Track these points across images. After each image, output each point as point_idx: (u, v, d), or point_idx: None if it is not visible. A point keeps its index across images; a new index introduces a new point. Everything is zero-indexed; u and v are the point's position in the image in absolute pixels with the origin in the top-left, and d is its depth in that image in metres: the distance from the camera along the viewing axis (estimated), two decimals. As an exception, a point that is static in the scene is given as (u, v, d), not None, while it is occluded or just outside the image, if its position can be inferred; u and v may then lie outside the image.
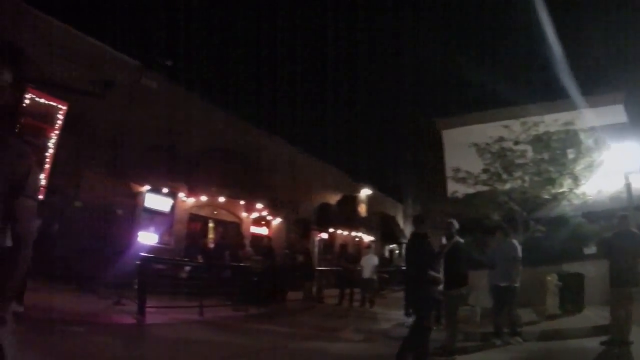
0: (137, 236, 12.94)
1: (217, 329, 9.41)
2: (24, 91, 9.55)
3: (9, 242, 2.13)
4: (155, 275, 11.71)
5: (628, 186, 11.56)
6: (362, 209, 28.09)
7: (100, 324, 7.99)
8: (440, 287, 7.27)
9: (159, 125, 15.07)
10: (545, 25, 16.49)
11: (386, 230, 31.49)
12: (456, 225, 8.13)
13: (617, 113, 18.52)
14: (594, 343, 7.58)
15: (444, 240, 8.83)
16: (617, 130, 15.22)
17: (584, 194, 13.23)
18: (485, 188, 14.20)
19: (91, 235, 11.51)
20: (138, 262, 10.21)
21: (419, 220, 7.15)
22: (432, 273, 6.39)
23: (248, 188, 17.26)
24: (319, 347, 8.43)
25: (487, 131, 14.42)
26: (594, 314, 10.16)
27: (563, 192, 13.23)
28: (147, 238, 13.80)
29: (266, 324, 10.80)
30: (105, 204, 12.90)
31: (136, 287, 9.85)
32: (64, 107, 11.03)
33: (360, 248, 18.79)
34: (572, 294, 11.14)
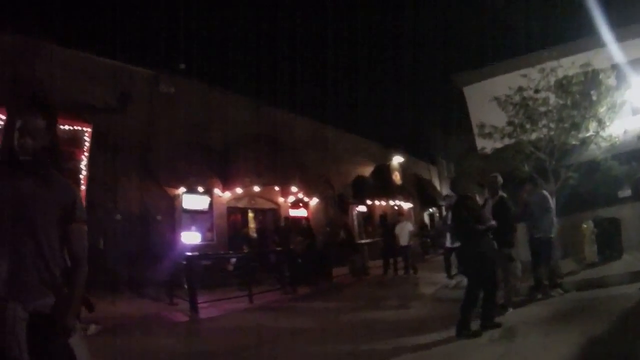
0: (181, 237, 13.47)
1: (267, 313, 9.80)
2: (56, 131, 9.97)
3: (68, 262, 2.58)
4: (203, 271, 12.16)
5: None
6: (397, 177, 28.02)
7: (156, 325, 8.45)
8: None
9: (184, 126, 15.44)
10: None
11: (423, 195, 31.49)
12: (500, 180, 7.93)
13: (638, 47, 17.82)
14: (634, 289, 7.46)
15: (485, 196, 8.89)
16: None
17: (610, 136, 12.96)
18: (511, 141, 14.11)
19: (136, 244, 12.12)
20: (184, 262, 10.72)
21: (454, 184, 7.15)
22: (479, 226, 6.37)
23: (281, 173, 17.46)
24: (368, 317, 8.61)
25: (507, 82, 14.23)
26: (634, 259, 10.05)
27: (589, 136, 12.98)
28: (191, 237, 14.35)
29: (315, 302, 11.19)
30: (145, 212, 13.42)
31: (186, 285, 10.38)
32: (89, 129, 11.47)
33: (399, 216, 18.83)
34: (610, 240, 10.95)
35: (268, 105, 20.70)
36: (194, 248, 13.19)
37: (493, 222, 6.59)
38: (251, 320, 9.03)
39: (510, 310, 7.34)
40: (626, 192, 12.93)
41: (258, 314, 9.68)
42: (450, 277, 11.71)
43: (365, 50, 67.90)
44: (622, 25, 17.78)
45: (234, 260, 13.95)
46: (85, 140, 11.33)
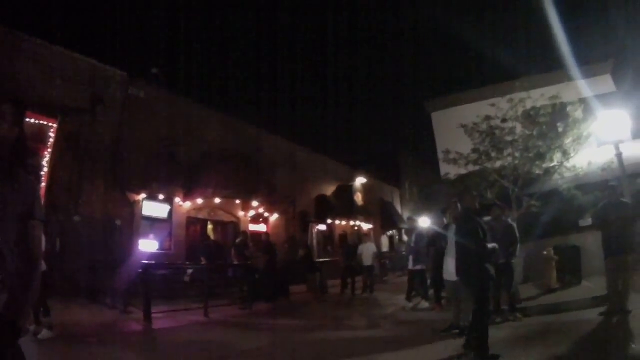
0: (138, 244, 13.11)
1: (223, 328, 9.52)
2: (23, 125, 9.70)
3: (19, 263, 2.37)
4: (159, 280, 11.82)
5: (619, 155, 11.57)
6: (359, 197, 28.18)
7: (108, 334, 8.12)
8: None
9: (152, 132, 15.23)
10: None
11: (385, 217, 31.66)
12: (460, 206, 7.88)
13: (605, 83, 18.59)
14: (592, 314, 7.69)
15: (444, 220, 8.92)
16: (606, 99, 15.31)
17: (574, 166, 13.37)
18: (475, 167, 14.35)
19: (92, 248, 11.71)
20: (140, 270, 10.35)
21: (461, 198, 7.06)
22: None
23: (243, 187, 17.35)
24: (326, 336, 8.54)
25: (474, 110, 14.53)
26: (593, 285, 10.33)
27: (554, 166, 13.37)
28: (148, 245, 13.99)
29: (272, 319, 10.98)
30: (104, 216, 13.05)
31: (141, 294, 10.01)
32: (54, 125, 11.13)
33: (359, 236, 18.88)
34: (570, 267, 11.30)
35: (237, 119, 20.65)
36: (151, 256, 12.85)
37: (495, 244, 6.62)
38: (205, 334, 8.75)
39: None
40: (587, 221, 13.25)
41: (213, 329, 9.39)
42: (409, 299, 11.66)
43: (339, 71, 68.82)
44: (590, 62, 18.56)
45: (190, 271, 13.63)
46: (50, 136, 10.96)
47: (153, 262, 11.60)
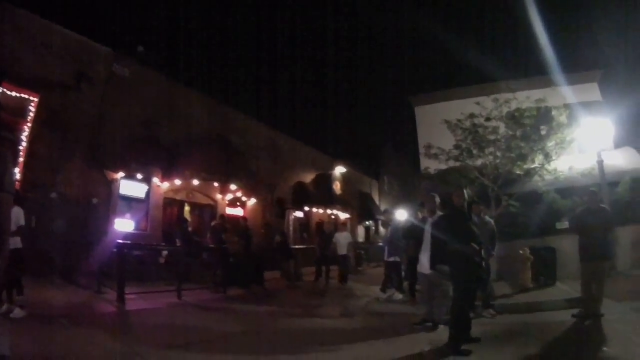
0: (114, 224, 12.94)
1: (196, 312, 9.48)
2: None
3: None
4: (134, 261, 11.67)
5: (600, 163, 11.85)
6: (338, 187, 28.20)
7: (80, 315, 7.96)
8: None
9: (134, 111, 15.01)
10: (521, 3, 16.79)
11: (362, 208, 31.78)
12: (438, 200, 8.13)
13: (591, 91, 18.98)
14: (565, 316, 7.86)
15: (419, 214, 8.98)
16: (591, 107, 15.60)
17: (555, 169, 13.55)
18: (457, 164, 14.45)
19: (69, 226, 11.47)
20: (115, 250, 10.19)
21: (457, 193, 7.09)
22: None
23: (223, 170, 17.20)
24: (300, 325, 8.55)
25: (459, 108, 14.61)
26: (567, 287, 10.54)
27: (535, 168, 13.53)
28: (124, 225, 13.82)
29: (246, 305, 10.87)
30: (82, 194, 12.82)
31: (116, 274, 9.86)
32: (35, 99, 10.88)
33: (336, 226, 18.90)
34: (545, 268, 11.48)
35: (220, 102, 20.53)
36: (126, 236, 12.66)
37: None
38: (178, 318, 8.69)
39: (441, 327, 7.46)
40: (564, 224, 13.45)
41: (186, 312, 9.32)
42: (383, 290, 11.72)
43: (325, 62, 68.52)
44: (579, 70, 18.86)
45: (165, 253, 13.52)
46: (31, 111, 10.72)
47: (128, 242, 11.46)
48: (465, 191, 7.14)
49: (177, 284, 10.62)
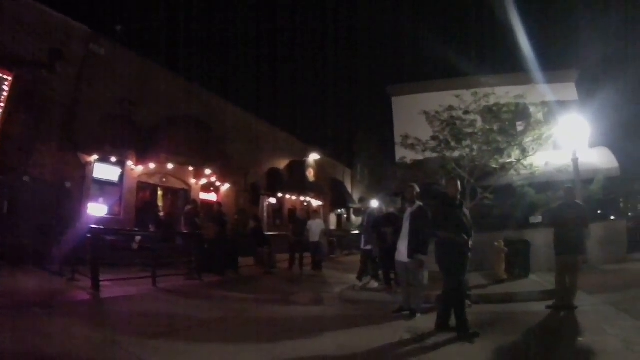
0: (87, 208, 12.66)
1: (173, 299, 9.37)
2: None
3: None
4: (107, 247, 11.37)
5: (575, 161, 12.14)
6: (311, 174, 28.19)
7: (54, 303, 7.73)
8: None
9: (110, 92, 14.65)
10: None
11: (335, 195, 31.86)
12: (417, 189, 8.14)
13: (568, 90, 19.41)
14: (540, 307, 8.04)
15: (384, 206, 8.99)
16: (568, 107, 15.88)
17: (531, 165, 13.78)
18: (433, 155, 14.55)
19: (41, 211, 11.17)
20: (88, 235, 9.95)
21: (448, 186, 7.17)
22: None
23: (198, 154, 16.99)
24: (276, 313, 8.58)
25: (437, 100, 14.68)
26: (540, 280, 10.76)
27: (511, 162, 13.74)
28: (97, 210, 13.55)
29: (222, 291, 10.85)
30: (55, 177, 12.49)
31: (89, 261, 9.63)
32: (9, 78, 10.53)
33: (309, 213, 18.87)
34: (519, 260, 11.67)
35: (197, 85, 20.30)
36: (99, 221, 12.43)
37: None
38: (154, 305, 8.57)
39: (419, 316, 7.60)
40: (537, 219, 13.74)
41: (161, 299, 9.21)
42: (359, 278, 11.72)
43: (304, 48, 68.23)
44: (557, 69, 19.24)
45: (138, 238, 13.27)
46: (4, 90, 10.37)
47: (102, 227, 11.25)
48: (458, 182, 7.21)
49: (152, 271, 10.44)
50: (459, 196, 6.98)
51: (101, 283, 9.05)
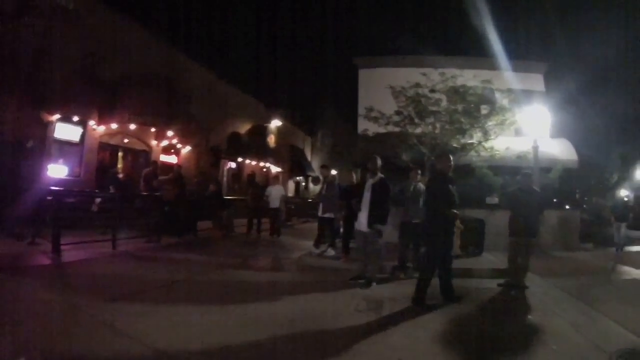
0: (47, 169, 12.51)
1: (132, 262, 9.42)
2: None
3: None
4: (67, 209, 11.19)
5: (535, 149, 12.68)
6: (272, 140, 28.25)
7: (15, 267, 7.74)
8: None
9: (76, 48, 14.25)
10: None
11: (294, 162, 32.04)
12: (379, 162, 8.25)
13: (536, 81, 20.06)
14: (492, 284, 8.46)
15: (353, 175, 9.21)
16: (534, 96, 16.47)
17: (492, 148, 14.22)
18: (396, 129, 14.83)
19: (3, 172, 10.91)
20: (49, 197, 9.90)
21: (439, 160, 7.44)
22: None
23: (160, 114, 16.86)
24: (234, 276, 8.69)
25: (405, 76, 14.83)
26: (493, 258, 11.23)
27: (472, 143, 14.10)
28: (57, 171, 13.38)
29: (180, 254, 10.92)
30: (16, 136, 12.17)
31: (49, 223, 9.58)
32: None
33: (268, 178, 18.98)
34: (474, 238, 12.09)
35: (164, 42, 19.84)
36: (59, 182, 12.28)
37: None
38: (115, 268, 8.64)
39: (374, 285, 7.84)
40: (494, 200, 14.32)
41: (122, 262, 9.27)
42: (316, 245, 11.80)
43: (272, 12, 67.01)
44: (528, 59, 19.83)
45: (98, 200, 13.20)
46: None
47: (62, 189, 11.21)
48: (451, 158, 7.43)
49: (112, 234, 10.49)
50: (449, 171, 7.21)
51: (62, 247, 9.06)
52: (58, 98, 13.43)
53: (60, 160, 14.09)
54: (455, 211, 6.98)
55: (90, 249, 9.77)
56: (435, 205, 6.97)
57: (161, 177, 14.48)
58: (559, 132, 18.99)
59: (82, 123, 14.86)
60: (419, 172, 10.22)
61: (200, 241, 13.57)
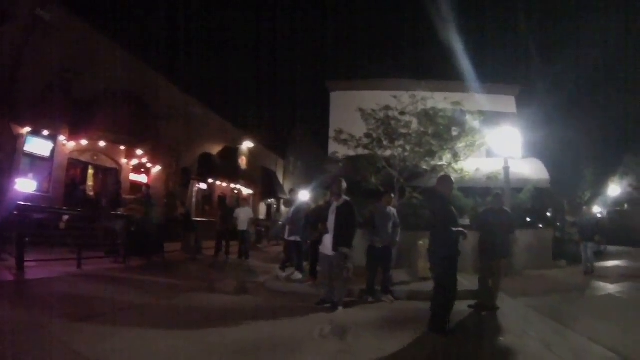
0: (15, 183, 12.35)
1: (97, 282, 9.27)
2: None
3: None
4: (35, 226, 11.15)
5: (506, 169, 12.92)
6: (244, 162, 28.24)
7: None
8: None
9: (51, 62, 14.17)
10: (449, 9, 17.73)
11: (266, 185, 32.03)
12: (344, 184, 8.23)
13: (508, 103, 20.64)
14: (462, 306, 8.25)
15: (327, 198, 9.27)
16: (505, 118, 16.90)
17: (462, 169, 14.42)
18: (365, 152, 14.97)
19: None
20: (16, 213, 9.72)
21: (441, 183, 7.22)
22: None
23: (132, 132, 16.77)
24: (201, 300, 8.60)
25: (375, 99, 15.02)
26: (463, 280, 11.21)
27: (442, 165, 14.31)
28: (25, 185, 13.19)
29: (146, 276, 10.78)
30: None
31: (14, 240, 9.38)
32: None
33: (238, 200, 18.97)
34: None
35: (140, 60, 19.83)
36: (28, 198, 12.11)
37: (462, 229, 6.96)
38: (79, 288, 8.48)
39: (340, 309, 7.80)
40: (465, 221, 14.50)
41: (86, 282, 9.09)
42: (283, 269, 11.74)
43: (246, 35, 67.33)
44: (500, 82, 20.39)
45: (66, 217, 13.00)
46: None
47: (30, 204, 11.08)
48: (452, 179, 7.45)
49: (78, 252, 10.38)
50: (450, 193, 7.28)
51: (26, 264, 8.94)
52: (30, 110, 13.32)
53: (30, 175, 13.87)
54: (464, 231, 6.93)
55: (55, 267, 9.65)
56: (444, 228, 6.87)
57: (127, 196, 14.35)
58: (531, 152, 19.36)
59: (53, 137, 14.68)
60: (392, 195, 10.33)
61: (166, 263, 13.42)
